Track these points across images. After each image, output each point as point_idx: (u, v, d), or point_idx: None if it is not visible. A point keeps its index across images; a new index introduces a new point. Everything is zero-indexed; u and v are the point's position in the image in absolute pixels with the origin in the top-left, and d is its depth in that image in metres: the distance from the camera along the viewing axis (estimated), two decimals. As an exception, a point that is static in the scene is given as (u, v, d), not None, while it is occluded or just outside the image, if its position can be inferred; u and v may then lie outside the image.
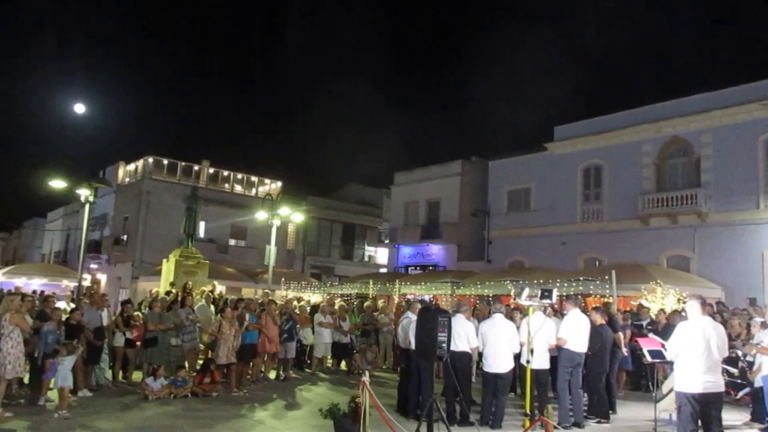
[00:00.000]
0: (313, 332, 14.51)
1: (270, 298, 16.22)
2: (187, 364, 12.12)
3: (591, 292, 16.06)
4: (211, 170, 36.36)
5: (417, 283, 21.79)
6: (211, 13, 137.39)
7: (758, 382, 9.49)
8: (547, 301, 8.31)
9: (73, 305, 12.23)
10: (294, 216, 26.09)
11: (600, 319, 10.05)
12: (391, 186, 35.45)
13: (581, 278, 16.59)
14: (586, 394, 10.08)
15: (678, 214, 21.96)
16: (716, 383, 6.63)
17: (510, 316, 10.29)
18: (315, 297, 21.86)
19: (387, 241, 35.98)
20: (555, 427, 8.37)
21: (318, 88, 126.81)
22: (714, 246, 21.01)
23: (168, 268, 20.15)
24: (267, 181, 38.20)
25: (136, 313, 12.36)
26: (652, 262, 20.98)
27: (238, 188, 37.26)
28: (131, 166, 35.86)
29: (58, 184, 17.84)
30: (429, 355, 7.96)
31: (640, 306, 14.60)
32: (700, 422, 6.64)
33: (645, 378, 12.40)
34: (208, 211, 28.55)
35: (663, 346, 8.25)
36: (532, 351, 8.54)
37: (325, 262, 38.92)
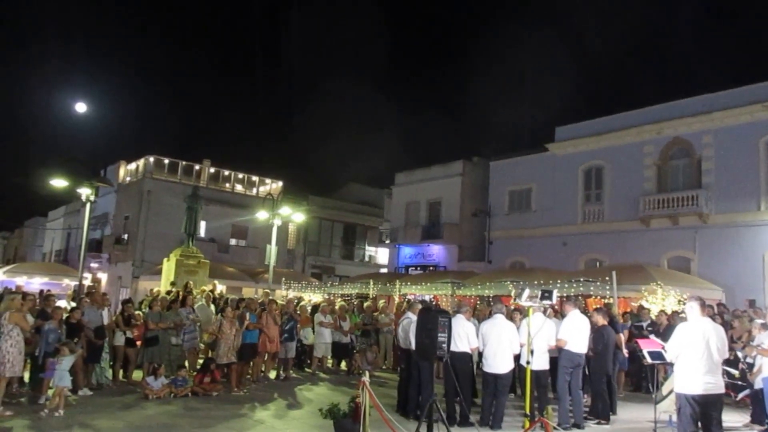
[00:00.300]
0: (314, 332, 14.52)
1: (270, 297, 16.23)
2: (187, 364, 12.14)
3: (592, 293, 16.05)
4: (212, 170, 36.38)
5: (417, 283, 21.79)
6: (212, 13, 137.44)
7: (758, 384, 9.49)
8: (547, 302, 8.31)
9: (73, 304, 12.24)
10: (295, 216, 26.10)
11: (602, 320, 10.06)
12: (392, 186, 35.46)
13: (582, 279, 16.59)
14: (586, 395, 10.09)
15: (679, 216, 21.95)
16: (716, 385, 6.62)
17: (510, 317, 10.30)
18: (315, 297, 21.87)
19: (388, 242, 35.99)
20: (555, 428, 8.37)
21: (319, 88, 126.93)
22: (715, 247, 21.00)
23: (169, 267, 20.18)
24: (268, 180, 38.22)
25: (136, 312, 12.38)
26: (653, 263, 20.96)
27: (239, 188, 37.28)
28: (132, 166, 35.88)
29: (59, 183, 17.85)
30: (429, 355, 7.97)
31: (641, 307, 14.59)
32: (700, 424, 6.63)
33: (645, 379, 12.39)
34: (208, 210, 28.58)
35: (663, 347, 8.25)
36: (532, 352, 8.54)
37: (326, 262, 38.93)
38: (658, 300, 15.45)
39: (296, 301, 17.09)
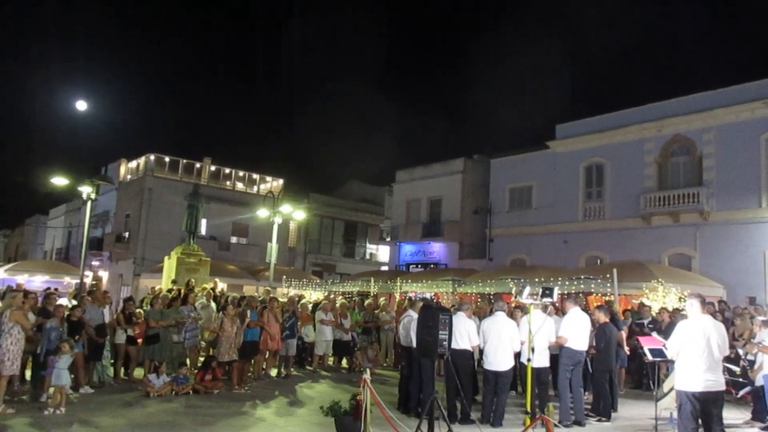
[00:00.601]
0: (315, 330, 14.53)
1: (272, 295, 16.24)
2: (188, 362, 12.15)
3: (592, 290, 16.06)
4: (213, 168, 36.40)
5: (418, 281, 21.80)
6: (214, 11, 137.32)
7: (759, 381, 9.49)
8: (548, 300, 8.32)
9: (74, 302, 12.26)
10: (296, 214, 26.12)
11: (604, 318, 10.07)
12: (392, 184, 35.45)
13: (583, 277, 16.59)
14: (587, 392, 10.09)
15: (680, 213, 21.95)
16: (717, 382, 6.62)
17: (512, 315, 10.31)
18: (316, 295, 21.88)
19: (388, 239, 36.01)
20: (556, 425, 8.37)
21: (320, 85, 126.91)
22: (716, 245, 21.01)
23: (170, 265, 20.18)
24: (269, 178, 38.24)
25: (137, 310, 12.39)
26: (654, 260, 20.98)
27: (239, 186, 37.30)
28: (133, 164, 35.90)
29: (60, 181, 17.89)
30: (430, 352, 7.98)
31: (642, 304, 14.60)
32: (700, 421, 6.64)
33: (646, 376, 12.40)
34: (209, 208, 28.62)
35: (664, 345, 8.25)
36: (533, 349, 8.55)
37: (327, 259, 38.95)
38: (658, 297, 15.47)
39: (298, 298, 17.11)
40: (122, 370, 12.01)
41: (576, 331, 9.23)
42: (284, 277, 24.05)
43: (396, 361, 14.86)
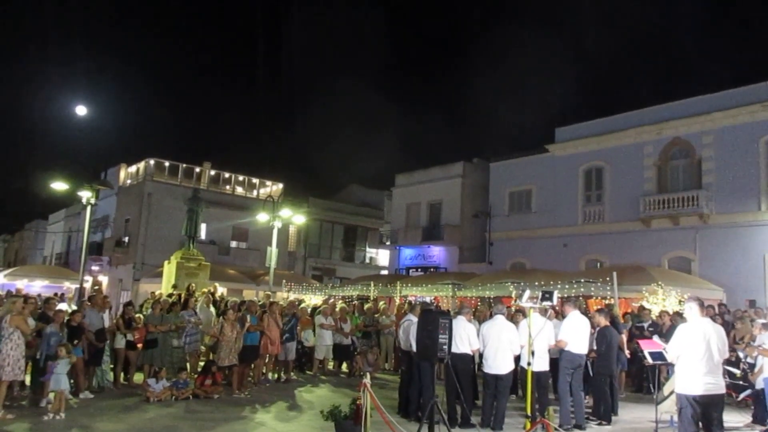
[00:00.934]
0: (315, 334, 14.51)
1: (272, 300, 16.22)
2: (188, 366, 12.13)
3: (592, 294, 16.04)
4: (213, 172, 36.41)
5: (418, 284, 21.77)
6: (213, 16, 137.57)
7: (759, 384, 9.49)
8: (548, 303, 8.31)
9: (74, 307, 12.25)
10: (295, 218, 26.10)
11: (604, 321, 10.06)
12: (392, 188, 35.46)
13: (582, 280, 16.57)
14: (588, 396, 10.08)
15: (679, 216, 21.96)
16: (717, 385, 6.62)
17: (512, 319, 10.30)
18: (316, 299, 21.86)
19: (388, 243, 36.01)
20: (556, 429, 8.34)
21: (319, 90, 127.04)
22: (715, 248, 21.01)
23: (169, 270, 20.19)
24: (268, 183, 38.25)
25: (137, 315, 12.38)
26: (654, 263, 20.97)
27: (239, 190, 37.31)
28: (133, 168, 35.90)
29: (60, 186, 17.89)
30: (430, 356, 7.97)
31: (642, 308, 14.58)
32: (701, 424, 6.63)
33: (646, 380, 12.40)
34: (209, 213, 28.60)
35: (664, 348, 8.25)
36: (533, 353, 8.54)
37: (327, 263, 38.93)
38: (658, 300, 15.45)
39: (298, 302, 17.10)
40: (122, 374, 11.98)
41: (576, 334, 9.22)
42: (284, 281, 24.03)
43: (396, 365, 14.84)
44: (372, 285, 21.21)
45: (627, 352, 11.88)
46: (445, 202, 31.55)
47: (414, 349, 9.14)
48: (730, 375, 10.80)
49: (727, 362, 10.19)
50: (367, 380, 7.69)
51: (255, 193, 37.64)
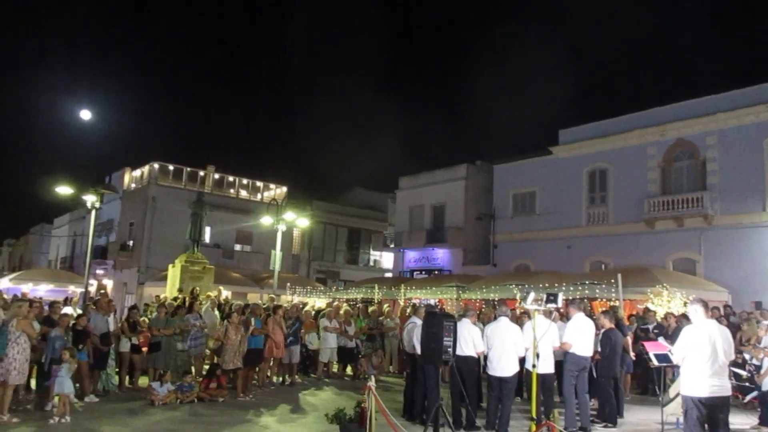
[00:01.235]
0: (319, 337, 14.51)
1: (276, 303, 16.23)
2: (193, 370, 12.14)
3: (597, 295, 16.01)
4: (217, 176, 36.49)
5: (422, 287, 21.76)
6: (216, 21, 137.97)
7: (766, 386, 9.46)
8: (552, 306, 8.29)
9: (79, 311, 12.28)
10: (299, 221, 26.11)
11: (609, 324, 10.03)
12: (396, 190, 35.46)
13: (587, 282, 16.53)
14: (593, 398, 10.05)
15: (684, 217, 21.90)
16: (723, 387, 6.59)
17: (517, 321, 10.28)
18: (320, 302, 21.86)
19: (392, 246, 35.98)
20: (561, 431, 8.34)
21: (321, 92, 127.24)
22: (720, 249, 20.94)
23: (174, 273, 20.22)
24: (272, 186, 38.31)
25: (142, 318, 12.39)
26: (659, 265, 20.90)
27: (243, 193, 37.38)
28: (137, 172, 36.02)
29: (64, 190, 17.95)
30: (434, 359, 7.96)
31: (646, 309, 14.54)
32: (707, 426, 6.61)
33: (652, 382, 12.36)
34: (213, 216, 28.62)
35: (669, 350, 8.22)
36: (537, 355, 8.52)
37: (331, 266, 38.94)
38: (663, 302, 15.40)
39: (302, 306, 17.11)
40: (127, 378, 12.01)
41: (580, 336, 9.20)
42: (288, 284, 24.05)
43: (400, 367, 14.83)
44: (376, 288, 21.21)
45: (632, 354, 11.84)
46: (449, 204, 31.53)
47: (418, 351, 9.13)
48: (737, 377, 10.76)
49: (734, 364, 10.17)
50: (371, 383, 7.69)
51: (259, 196, 37.69)
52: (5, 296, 12.95)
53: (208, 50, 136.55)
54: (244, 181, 37.65)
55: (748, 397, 10.74)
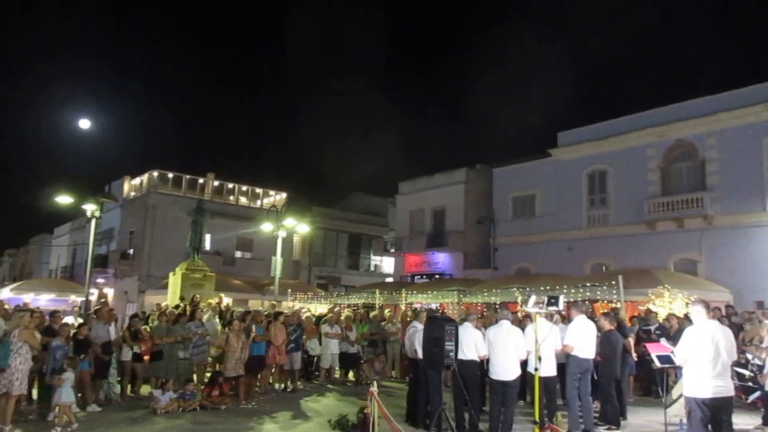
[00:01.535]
0: (320, 343, 14.49)
1: (277, 309, 16.22)
2: (195, 377, 12.12)
3: (598, 297, 16.01)
4: (216, 183, 36.53)
5: (424, 291, 21.75)
6: (214, 28, 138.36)
7: (769, 386, 9.43)
8: (554, 308, 8.28)
9: (80, 320, 12.27)
10: (299, 227, 26.07)
11: (608, 325, 10.01)
12: (396, 195, 35.47)
13: (588, 284, 16.54)
14: (596, 401, 10.03)
15: (684, 218, 21.89)
16: (726, 388, 6.58)
17: (520, 324, 10.26)
18: (322, 308, 21.84)
19: (393, 251, 35.97)
20: (565, 435, 8.32)
21: (321, 95, 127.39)
22: (721, 249, 20.92)
23: (175, 281, 20.21)
24: (272, 192, 38.34)
25: (143, 327, 12.38)
26: (660, 266, 20.88)
27: (243, 200, 37.39)
28: (137, 181, 36.04)
29: (64, 199, 17.96)
30: (436, 364, 7.95)
31: (648, 311, 14.53)
32: (710, 427, 6.59)
33: (655, 383, 12.33)
34: (213, 223, 28.64)
35: (672, 351, 8.21)
36: (540, 358, 8.50)
37: (332, 272, 38.92)
38: (665, 303, 15.39)
39: (302, 312, 17.10)
40: (129, 387, 12.00)
41: (582, 339, 9.18)
42: (289, 290, 24.03)
43: (403, 372, 14.80)
44: (377, 293, 21.21)
45: (635, 355, 11.82)
46: (449, 208, 31.53)
47: (419, 356, 9.11)
48: (740, 377, 10.74)
49: (737, 364, 10.15)
50: (374, 388, 7.67)
51: (259, 203, 37.71)
52: (6, 306, 12.92)
53: (207, 54, 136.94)
54: (244, 188, 37.69)
55: (752, 398, 10.72)
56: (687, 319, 12.19)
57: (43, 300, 25.71)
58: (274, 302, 19.49)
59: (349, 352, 14.68)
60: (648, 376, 12.65)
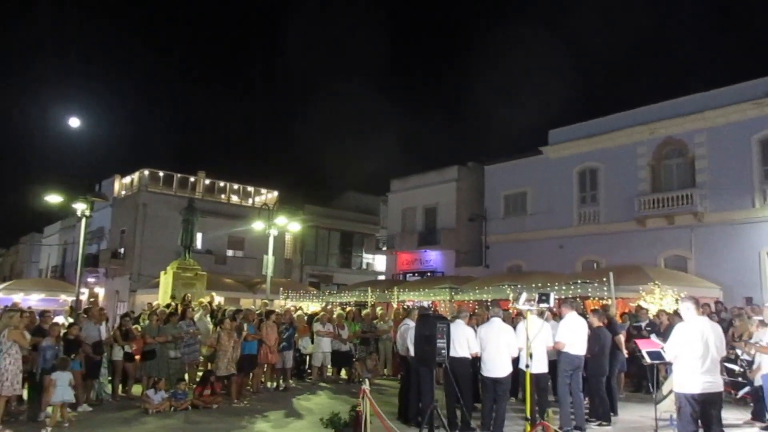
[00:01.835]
0: (312, 341, 14.48)
1: (269, 308, 16.20)
2: (187, 377, 12.09)
3: (589, 294, 16.07)
4: (207, 181, 36.41)
5: (415, 289, 21.75)
6: (208, 26, 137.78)
7: (758, 381, 9.52)
8: (545, 305, 8.31)
9: (71, 320, 12.20)
10: (291, 225, 26.06)
11: (598, 322, 10.05)
12: (387, 193, 35.48)
13: (579, 281, 16.60)
14: (587, 397, 10.08)
15: (674, 215, 22.03)
16: (715, 383, 6.63)
17: (512, 321, 10.29)
18: (314, 306, 21.82)
19: (385, 249, 35.99)
20: (556, 431, 8.35)
21: (313, 96, 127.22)
22: (711, 246, 21.07)
23: (166, 280, 20.14)
24: (263, 191, 38.24)
25: (134, 326, 12.33)
26: (650, 263, 21.02)
27: (234, 199, 37.28)
28: (127, 179, 35.86)
29: (54, 198, 17.85)
30: (428, 361, 7.96)
31: (639, 307, 14.60)
32: (700, 422, 6.65)
33: (645, 379, 12.41)
34: (205, 222, 28.50)
35: (662, 347, 8.27)
36: (531, 355, 8.53)
37: (324, 270, 38.89)
38: (655, 300, 15.49)
39: (294, 310, 17.06)
40: (120, 386, 11.95)
41: (573, 335, 9.22)
42: (281, 289, 23.99)
43: (395, 370, 14.82)
44: (369, 291, 21.21)
45: (625, 352, 11.88)
46: (441, 206, 31.58)
47: (411, 353, 9.12)
48: (729, 372, 10.83)
49: (726, 360, 10.23)
50: (366, 386, 7.68)
51: (250, 201, 37.61)
52: (-4, 306, 12.84)
53: (199, 56, 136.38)
54: (235, 187, 37.58)
55: (741, 393, 10.80)
56: (677, 316, 12.26)
57: (33, 300, 25.56)
58: (266, 301, 19.48)
59: (341, 351, 14.69)
60: (639, 372, 12.73)
